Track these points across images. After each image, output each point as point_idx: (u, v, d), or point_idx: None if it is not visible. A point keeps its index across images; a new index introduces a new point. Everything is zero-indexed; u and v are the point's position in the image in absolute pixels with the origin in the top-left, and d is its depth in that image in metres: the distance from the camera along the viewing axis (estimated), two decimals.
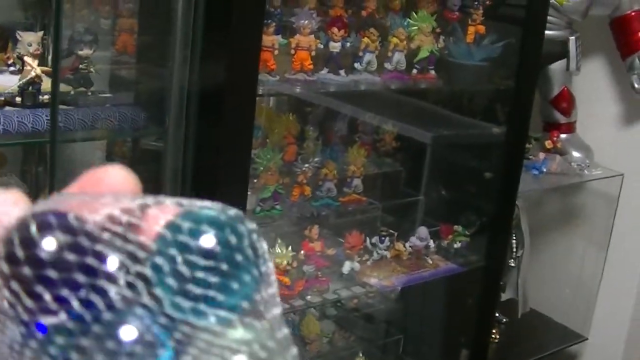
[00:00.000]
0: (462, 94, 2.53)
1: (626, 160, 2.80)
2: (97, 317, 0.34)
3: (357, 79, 2.09)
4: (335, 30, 2.03)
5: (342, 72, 2.05)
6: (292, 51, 1.97)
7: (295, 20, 1.97)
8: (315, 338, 2.38)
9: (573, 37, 2.65)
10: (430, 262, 2.38)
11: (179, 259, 0.35)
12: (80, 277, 0.35)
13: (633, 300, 2.89)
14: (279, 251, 2.04)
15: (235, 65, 1.69)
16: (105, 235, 0.36)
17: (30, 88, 1.71)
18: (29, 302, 0.34)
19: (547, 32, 2.40)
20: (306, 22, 1.96)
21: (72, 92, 1.79)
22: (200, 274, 0.35)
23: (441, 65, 2.26)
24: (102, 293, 0.35)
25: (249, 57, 1.71)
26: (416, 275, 2.34)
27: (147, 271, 0.36)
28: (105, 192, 0.39)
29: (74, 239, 0.35)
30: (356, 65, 2.10)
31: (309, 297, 2.12)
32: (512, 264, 2.75)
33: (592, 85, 2.86)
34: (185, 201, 0.37)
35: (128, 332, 0.34)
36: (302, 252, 2.12)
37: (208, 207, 0.37)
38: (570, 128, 2.80)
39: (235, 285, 0.36)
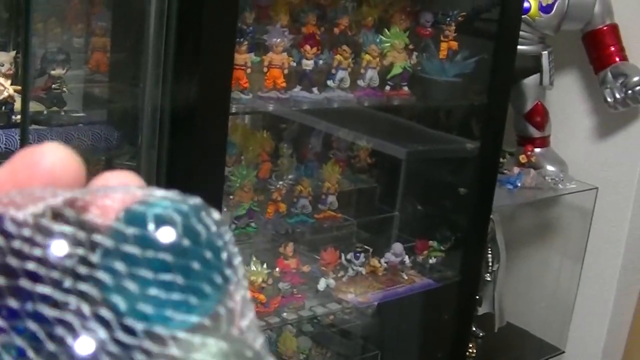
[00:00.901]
0: (436, 109, 2.53)
1: (600, 173, 2.81)
2: (50, 333, 0.30)
3: (330, 97, 2.09)
4: (307, 47, 2.03)
5: (315, 89, 2.05)
6: (265, 69, 1.97)
7: (268, 38, 1.97)
8: (292, 355, 2.37)
9: (546, 52, 2.67)
10: (406, 277, 2.38)
11: (136, 256, 0.31)
12: (25, 285, 0.31)
13: (609, 313, 2.90)
14: (254, 268, 2.03)
15: (207, 83, 1.69)
16: (47, 235, 0.31)
17: (3, 108, 1.70)
18: None
19: (520, 47, 2.41)
20: (278, 39, 1.97)
21: (45, 112, 1.78)
22: (164, 276, 0.31)
23: (414, 82, 2.27)
24: (52, 304, 0.31)
25: (221, 76, 1.72)
26: (392, 291, 2.34)
27: (101, 275, 0.31)
28: (40, 178, 0.34)
29: (8, 244, 0.31)
30: (329, 82, 2.10)
31: (285, 314, 2.11)
32: (488, 278, 2.75)
33: (565, 99, 2.88)
34: (139, 190, 0.33)
35: (84, 347, 0.30)
36: (277, 269, 2.11)
37: (166, 196, 0.33)
38: (544, 142, 2.81)
39: (206, 288, 0.32)
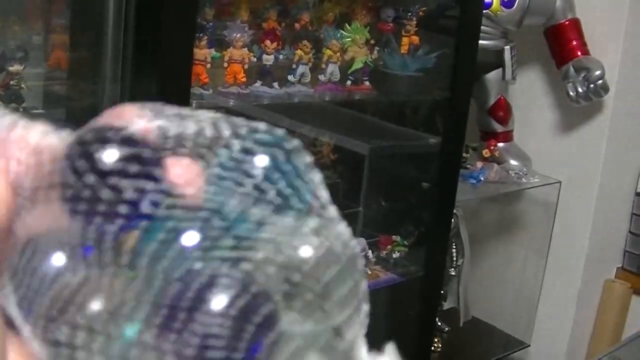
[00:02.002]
0: (398, 104, 2.53)
1: (563, 167, 2.83)
2: (163, 220, 0.34)
3: (291, 91, 2.09)
4: (268, 42, 2.02)
5: (275, 84, 2.05)
6: (225, 64, 1.96)
7: (228, 33, 1.96)
8: None
9: (508, 47, 2.67)
10: (370, 272, 2.38)
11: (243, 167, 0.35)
12: (148, 185, 0.34)
13: (574, 307, 2.91)
14: None
15: (166, 79, 1.68)
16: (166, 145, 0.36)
17: None
18: (100, 207, 0.34)
19: (482, 41, 2.42)
20: (238, 35, 1.96)
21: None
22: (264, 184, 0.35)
23: (376, 77, 2.27)
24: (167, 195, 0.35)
25: (181, 71, 1.71)
26: None
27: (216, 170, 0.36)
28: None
29: (135, 151, 0.35)
30: (290, 77, 2.09)
31: None
32: (453, 273, 2.75)
33: (528, 93, 2.89)
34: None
35: (190, 238, 0.34)
36: None
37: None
38: (507, 137, 2.82)
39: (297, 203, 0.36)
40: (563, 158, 2.84)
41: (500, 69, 2.70)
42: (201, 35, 1.87)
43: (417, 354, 2.54)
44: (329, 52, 2.15)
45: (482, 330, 2.97)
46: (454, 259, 2.74)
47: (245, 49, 1.98)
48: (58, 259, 0.34)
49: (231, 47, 1.97)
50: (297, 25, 2.11)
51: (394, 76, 2.32)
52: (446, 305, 2.81)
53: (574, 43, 2.67)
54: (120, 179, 0.34)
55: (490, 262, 3.05)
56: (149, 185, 0.34)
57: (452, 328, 2.83)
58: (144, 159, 0.35)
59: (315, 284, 0.35)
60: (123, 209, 0.34)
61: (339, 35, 2.17)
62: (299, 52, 2.09)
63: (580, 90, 2.64)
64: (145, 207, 0.34)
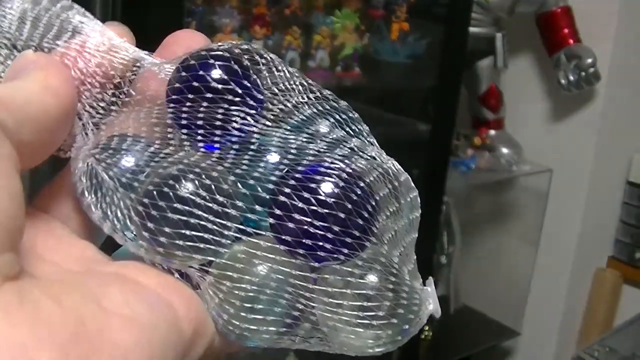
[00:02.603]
0: (388, 91, 2.53)
1: (555, 156, 2.82)
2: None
3: None
4: (257, 28, 2.02)
5: None
6: None
7: (217, 18, 1.95)
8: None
9: (500, 34, 2.67)
10: None
11: None
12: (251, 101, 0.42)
13: (564, 295, 2.91)
14: None
15: None
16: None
17: None
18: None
19: (473, 29, 2.41)
20: (227, 20, 1.95)
21: None
22: None
23: (366, 63, 2.26)
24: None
25: None
26: None
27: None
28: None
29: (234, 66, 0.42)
30: None
31: None
32: (444, 261, 2.75)
33: (520, 81, 2.88)
34: None
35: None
36: None
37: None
38: (498, 124, 2.81)
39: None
40: (554, 146, 2.83)
41: (492, 56, 2.69)
42: (190, 20, 1.86)
43: (407, 342, 2.54)
44: (318, 38, 2.14)
45: (472, 319, 2.97)
46: (445, 246, 2.74)
47: (235, 34, 1.97)
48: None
49: (220, 33, 1.96)
50: (286, 11, 2.10)
51: (383, 63, 2.31)
52: (437, 293, 2.80)
53: (566, 31, 2.67)
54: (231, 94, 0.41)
55: (481, 250, 3.05)
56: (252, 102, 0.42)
57: (442, 316, 2.82)
58: (245, 74, 0.42)
59: (406, 195, 0.44)
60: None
61: (328, 21, 2.16)
62: (288, 37, 2.08)
63: (571, 78, 2.63)
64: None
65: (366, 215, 0.40)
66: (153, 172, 0.39)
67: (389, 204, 0.43)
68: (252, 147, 0.41)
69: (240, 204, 0.39)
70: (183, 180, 0.38)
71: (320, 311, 0.40)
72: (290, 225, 0.38)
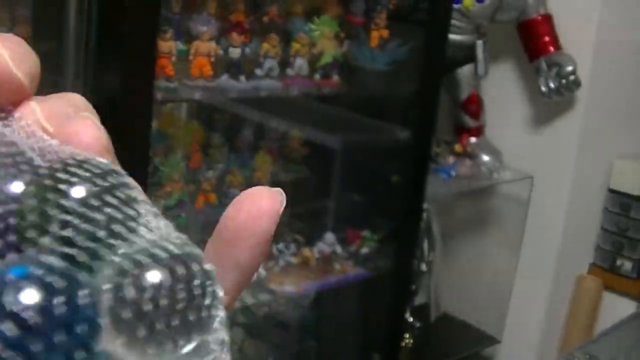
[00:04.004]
0: (368, 98, 2.52)
1: (535, 163, 2.82)
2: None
3: (258, 85, 2.07)
4: (235, 35, 2.01)
5: (242, 77, 2.03)
6: (192, 57, 1.94)
7: (194, 26, 1.95)
8: None
9: (480, 42, 2.67)
10: (339, 267, 2.37)
11: None
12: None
13: (545, 302, 2.91)
14: None
15: (130, 72, 1.67)
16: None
17: None
18: None
19: (454, 36, 2.42)
20: (205, 28, 1.94)
21: None
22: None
23: (346, 70, 2.26)
24: None
25: (144, 64, 1.69)
26: (325, 281, 2.33)
27: None
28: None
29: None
30: (257, 71, 2.07)
31: None
32: (424, 268, 2.75)
33: (500, 88, 2.88)
34: None
35: None
36: None
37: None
38: (479, 132, 2.81)
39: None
40: (535, 153, 2.83)
41: (473, 64, 2.70)
42: (167, 27, 1.85)
43: (388, 350, 2.54)
44: (297, 45, 2.14)
45: (453, 326, 2.97)
46: (425, 254, 2.74)
47: (212, 41, 1.96)
48: None
49: (197, 40, 1.95)
50: (265, 18, 2.09)
51: (363, 70, 2.31)
52: (417, 301, 2.80)
53: (546, 38, 2.67)
54: None
55: (462, 257, 3.05)
56: None
57: (424, 323, 2.83)
58: None
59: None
60: None
61: (307, 28, 2.16)
62: (265, 45, 2.07)
63: (552, 85, 2.64)
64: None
65: None
66: None
67: None
68: None
69: None
70: None
71: None
72: None
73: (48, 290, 0.29)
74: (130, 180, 0.34)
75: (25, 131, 0.35)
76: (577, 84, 2.62)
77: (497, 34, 2.76)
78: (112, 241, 0.32)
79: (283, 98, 2.25)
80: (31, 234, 0.32)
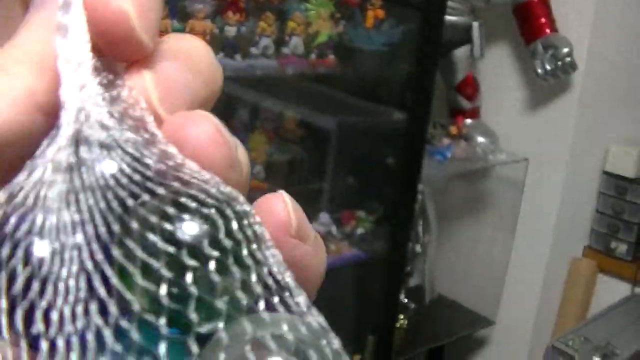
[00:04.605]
0: (363, 79, 2.52)
1: (531, 145, 2.82)
2: None
3: (253, 64, 2.07)
4: (230, 14, 2.00)
5: (237, 56, 2.03)
6: None
7: (189, 4, 1.94)
8: None
9: (476, 23, 2.66)
10: (334, 248, 2.37)
11: None
12: None
13: (540, 285, 2.91)
14: None
15: None
16: None
17: None
18: None
19: (450, 17, 2.41)
20: (200, 6, 1.94)
21: None
22: None
23: (341, 50, 2.26)
24: None
25: None
26: None
27: None
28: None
29: None
30: (252, 50, 2.07)
31: None
32: (419, 250, 2.75)
33: (496, 71, 2.88)
34: None
35: None
36: None
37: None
38: (475, 114, 2.81)
39: None
40: (531, 136, 2.83)
41: (469, 45, 2.69)
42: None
43: (382, 331, 2.54)
44: (292, 24, 2.13)
45: (448, 308, 2.97)
46: (420, 236, 2.74)
47: (208, 20, 1.96)
48: None
49: (193, 19, 1.94)
50: None
51: (358, 50, 2.31)
52: (412, 282, 2.80)
53: (542, 20, 2.66)
54: None
55: (458, 239, 3.05)
56: None
57: (419, 305, 2.83)
58: None
59: None
60: None
61: (303, 7, 2.15)
62: (262, 24, 2.07)
63: (548, 67, 2.63)
64: None
65: None
66: None
67: None
68: None
69: None
70: None
71: None
72: None
73: None
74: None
75: (131, 116, 0.30)
76: (573, 66, 2.62)
77: (493, 16, 2.76)
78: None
79: (278, 78, 2.24)
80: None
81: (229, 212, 0.30)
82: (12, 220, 0.29)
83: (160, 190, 0.30)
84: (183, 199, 0.29)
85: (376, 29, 2.29)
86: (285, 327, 0.30)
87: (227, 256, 0.29)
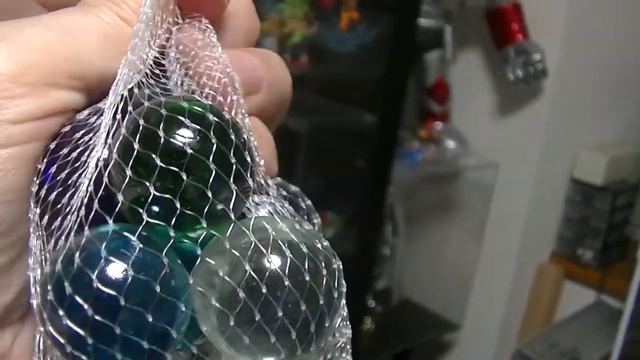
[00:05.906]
0: (336, 80, 2.51)
1: (501, 150, 2.83)
2: None
3: None
4: None
5: None
6: None
7: None
8: None
9: (449, 27, 2.66)
10: None
11: None
12: None
13: (507, 290, 2.92)
14: None
15: None
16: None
17: None
18: None
19: (423, 21, 2.40)
20: None
21: None
22: None
23: (314, 51, 2.25)
24: None
25: None
26: None
27: None
28: None
29: None
30: None
31: None
32: (387, 253, 2.75)
33: (468, 75, 2.88)
34: None
35: None
36: None
37: None
38: (445, 117, 2.81)
39: None
40: (501, 140, 2.84)
41: (441, 49, 2.69)
42: None
43: None
44: (267, 24, 2.12)
45: (414, 312, 2.97)
46: (389, 238, 2.73)
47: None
48: None
49: None
50: None
51: (332, 51, 2.30)
52: (379, 285, 2.80)
53: (515, 26, 2.67)
54: None
55: (426, 243, 3.05)
56: None
57: (385, 308, 2.83)
58: None
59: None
60: None
61: (279, 7, 2.14)
62: None
63: (519, 73, 2.63)
64: None
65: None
66: None
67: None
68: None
69: None
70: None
71: None
72: None
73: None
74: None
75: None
76: (544, 72, 2.62)
77: (466, 20, 2.76)
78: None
79: None
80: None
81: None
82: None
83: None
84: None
85: (351, 31, 2.28)
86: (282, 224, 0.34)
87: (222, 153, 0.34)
